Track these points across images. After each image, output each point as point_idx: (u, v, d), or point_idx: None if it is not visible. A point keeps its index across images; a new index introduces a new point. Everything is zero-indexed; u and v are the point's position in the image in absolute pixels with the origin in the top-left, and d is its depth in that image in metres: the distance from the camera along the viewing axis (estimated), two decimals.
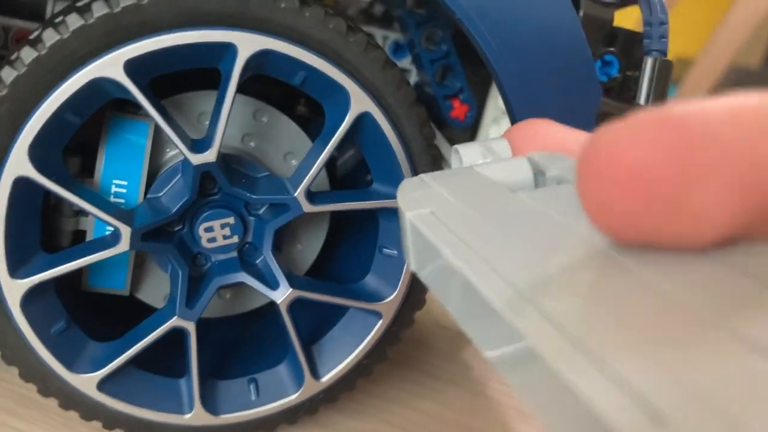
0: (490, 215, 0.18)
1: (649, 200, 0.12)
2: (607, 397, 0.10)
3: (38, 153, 0.39)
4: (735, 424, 0.09)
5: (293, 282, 0.46)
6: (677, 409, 0.10)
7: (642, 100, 0.48)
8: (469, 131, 0.67)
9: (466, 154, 0.49)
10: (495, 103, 0.67)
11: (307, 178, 0.43)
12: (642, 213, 0.12)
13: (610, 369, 0.10)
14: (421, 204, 0.19)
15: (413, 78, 0.62)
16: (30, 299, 0.41)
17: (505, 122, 0.63)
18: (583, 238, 0.15)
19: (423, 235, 0.17)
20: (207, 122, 0.47)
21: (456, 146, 0.49)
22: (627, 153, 0.12)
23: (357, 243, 0.53)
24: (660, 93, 0.47)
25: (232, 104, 0.41)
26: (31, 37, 0.39)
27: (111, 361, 0.44)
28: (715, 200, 0.12)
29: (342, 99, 0.43)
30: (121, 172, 0.45)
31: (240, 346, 0.53)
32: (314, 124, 0.53)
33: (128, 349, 0.44)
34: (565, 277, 0.14)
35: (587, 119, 0.45)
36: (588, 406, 0.10)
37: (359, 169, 0.55)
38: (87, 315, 0.47)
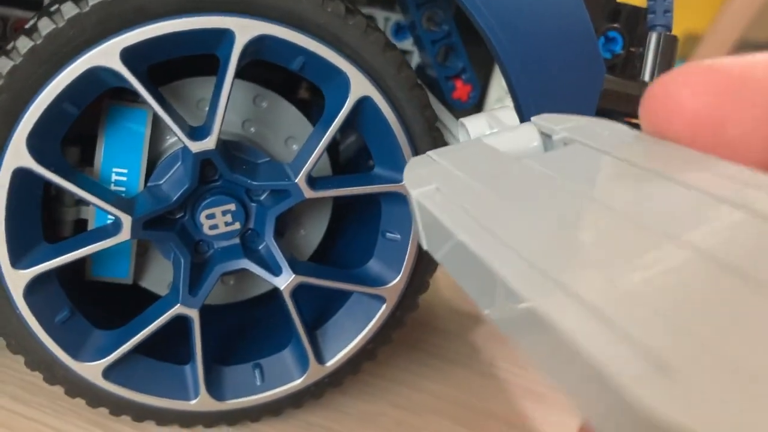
0: (495, 185, 0.18)
1: (696, 133, 0.16)
2: (616, 354, 0.10)
3: (37, 143, 0.39)
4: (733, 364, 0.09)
5: (296, 268, 0.46)
6: (682, 359, 0.10)
7: (647, 76, 0.48)
8: (473, 112, 0.66)
9: (472, 126, 0.49)
10: (499, 83, 0.66)
11: (308, 163, 0.43)
12: (691, 143, 0.16)
13: (619, 329, 0.11)
14: (426, 181, 0.19)
15: (415, 60, 0.62)
16: (33, 289, 0.41)
17: (510, 102, 0.62)
18: (588, 199, 0.16)
19: (429, 212, 0.17)
20: (206, 108, 0.46)
21: (462, 119, 0.48)
22: (679, 100, 0.16)
23: (360, 228, 0.53)
24: (665, 69, 0.47)
25: (230, 90, 0.40)
26: (27, 26, 0.38)
27: (115, 349, 0.44)
28: (748, 131, 0.15)
29: (342, 83, 0.42)
30: (120, 161, 0.44)
31: (244, 332, 0.53)
32: (316, 108, 0.52)
33: (132, 337, 0.44)
34: (570, 244, 0.14)
35: (590, 97, 0.44)
36: (592, 361, 0.10)
37: (361, 154, 0.55)
38: (91, 304, 0.47)
